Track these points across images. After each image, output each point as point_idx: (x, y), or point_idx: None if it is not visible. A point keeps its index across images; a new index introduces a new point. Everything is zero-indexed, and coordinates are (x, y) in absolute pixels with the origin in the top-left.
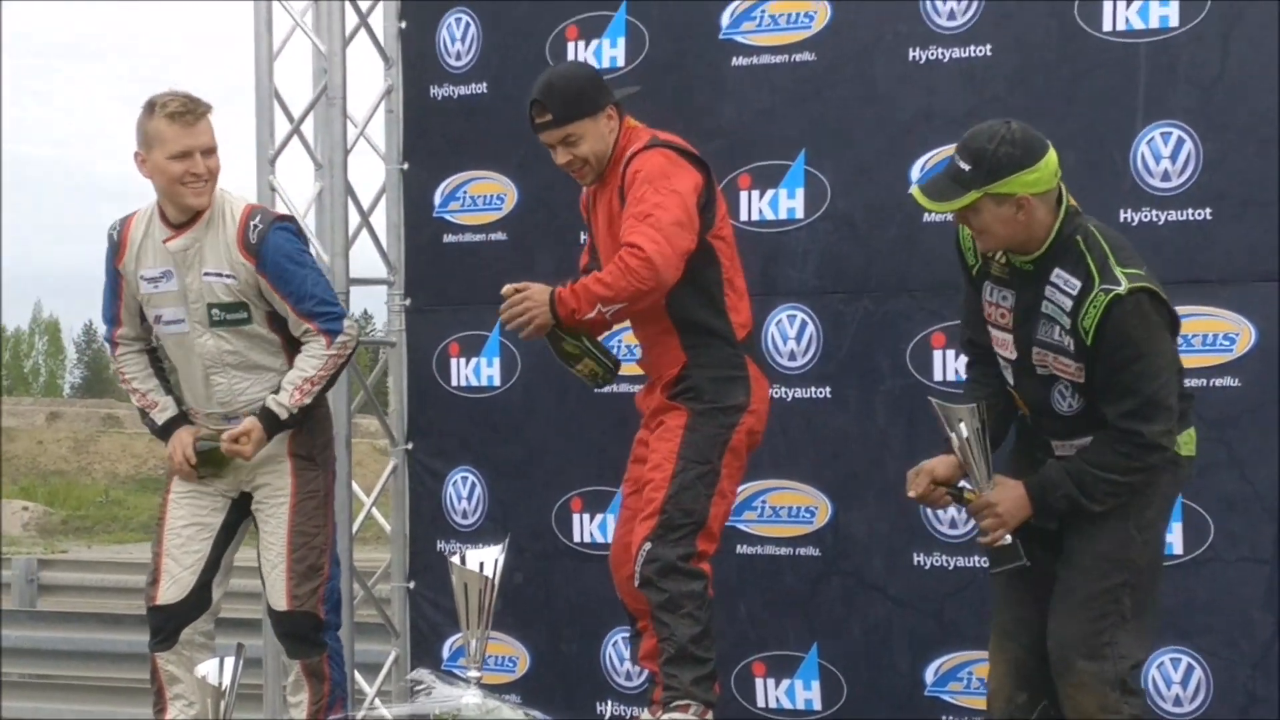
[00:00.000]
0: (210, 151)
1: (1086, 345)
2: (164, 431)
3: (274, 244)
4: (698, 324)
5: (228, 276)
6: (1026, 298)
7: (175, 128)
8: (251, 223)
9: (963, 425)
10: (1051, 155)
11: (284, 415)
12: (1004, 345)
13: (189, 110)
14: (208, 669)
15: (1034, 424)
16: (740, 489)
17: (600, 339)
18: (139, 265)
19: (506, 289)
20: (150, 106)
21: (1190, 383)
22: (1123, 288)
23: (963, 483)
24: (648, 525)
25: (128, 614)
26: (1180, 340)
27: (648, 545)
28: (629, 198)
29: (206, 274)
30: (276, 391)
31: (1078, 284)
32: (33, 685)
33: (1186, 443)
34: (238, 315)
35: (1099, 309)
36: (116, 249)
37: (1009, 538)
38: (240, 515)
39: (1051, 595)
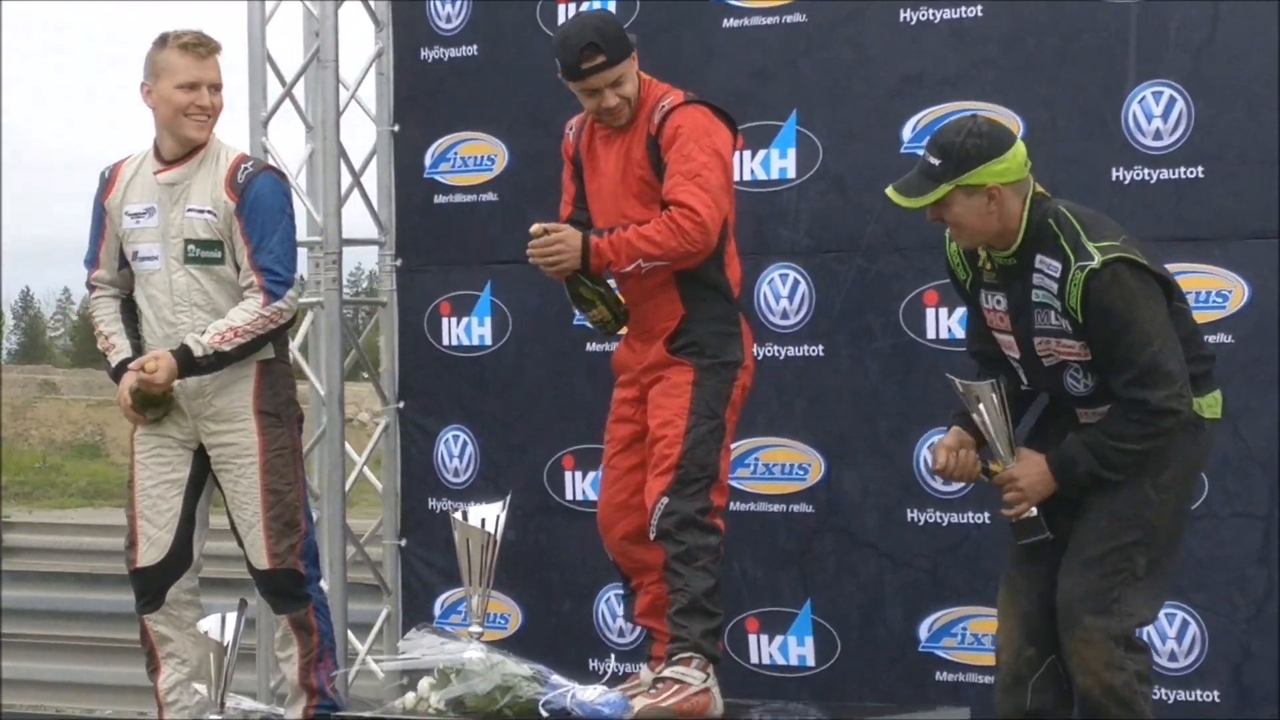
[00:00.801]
0: (217, 88)
1: (1079, 324)
2: (117, 373)
3: (259, 186)
4: (701, 278)
5: (209, 213)
6: (1016, 293)
7: (187, 59)
8: (244, 165)
9: (982, 402)
10: (1020, 146)
11: (198, 352)
12: (1010, 347)
13: (201, 44)
14: (210, 625)
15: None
16: (734, 446)
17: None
18: (125, 201)
19: (536, 228)
20: (163, 39)
21: None
22: (1096, 261)
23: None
24: (664, 480)
25: (105, 573)
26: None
27: (665, 499)
28: (672, 154)
29: (190, 209)
30: (202, 333)
31: (1058, 265)
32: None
33: (1210, 405)
34: (212, 254)
35: (1079, 287)
36: (106, 185)
37: (1033, 510)
38: (204, 466)
39: (1063, 551)
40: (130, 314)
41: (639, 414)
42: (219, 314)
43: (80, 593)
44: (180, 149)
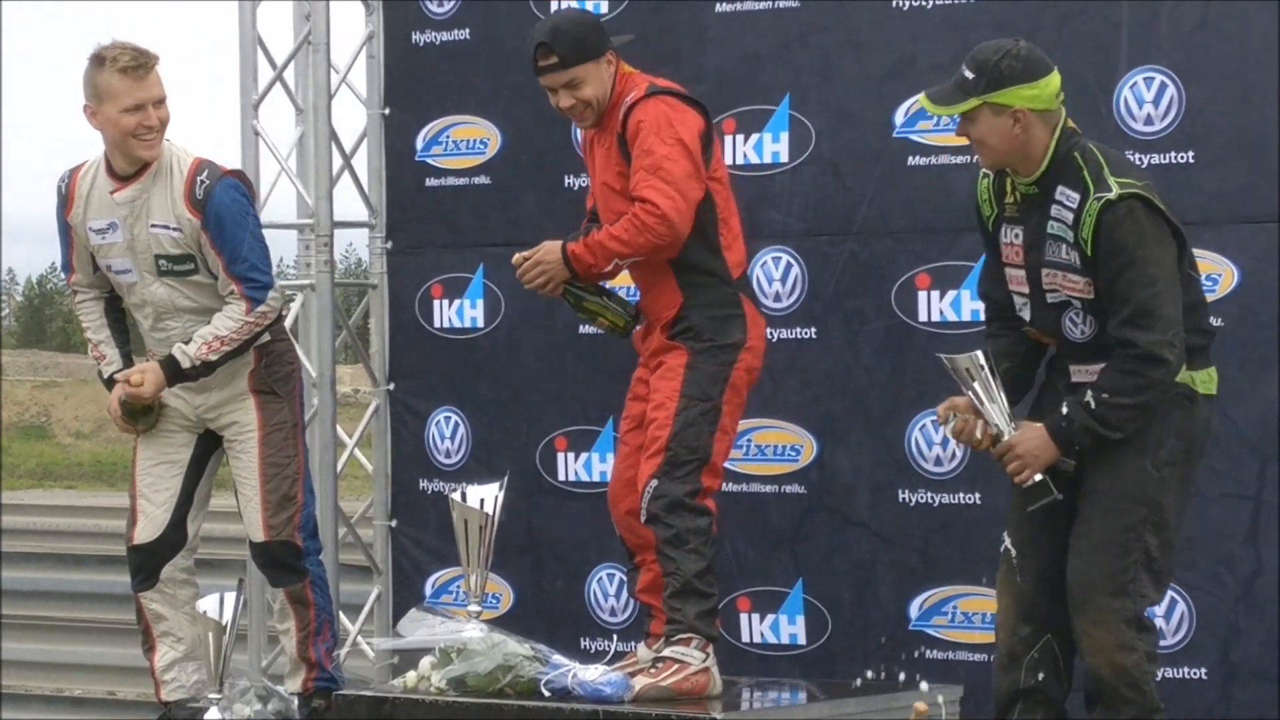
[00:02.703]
0: (161, 102)
1: (1088, 257)
2: (109, 384)
3: (219, 198)
4: (694, 264)
5: (174, 229)
6: (1033, 224)
7: (128, 81)
8: (199, 177)
9: (972, 375)
10: (1055, 78)
11: (185, 364)
12: (1018, 282)
13: (140, 64)
14: (208, 604)
15: (1054, 356)
16: None
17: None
18: (86, 217)
19: (516, 258)
20: (99, 60)
21: None
22: (1113, 193)
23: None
24: (654, 463)
25: (56, 553)
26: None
27: (654, 482)
28: (635, 149)
29: (154, 225)
30: (188, 342)
31: (1077, 196)
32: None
33: (1205, 381)
34: (184, 267)
35: (1093, 217)
36: (65, 201)
37: (1039, 475)
38: (208, 449)
39: (1066, 532)
40: (115, 314)
41: (649, 393)
42: (207, 313)
43: (34, 572)
44: (131, 166)
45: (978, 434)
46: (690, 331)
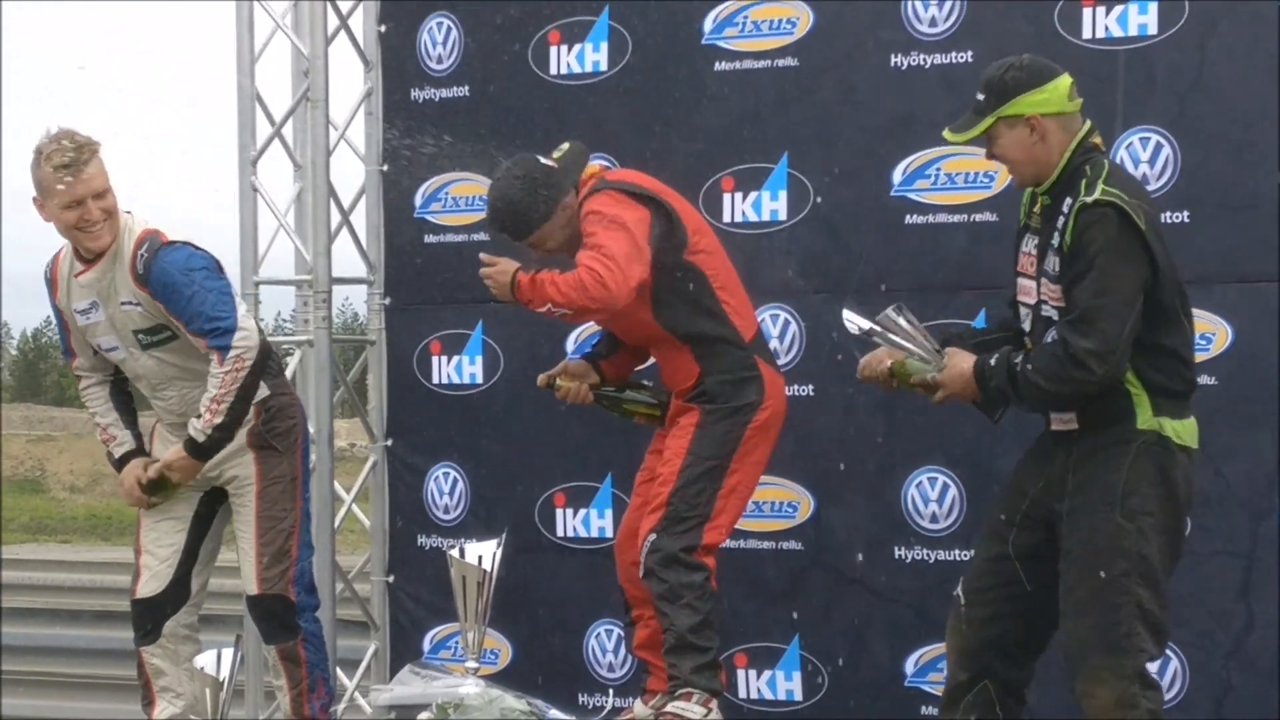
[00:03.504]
0: (101, 194)
1: (1066, 262)
2: (119, 464)
3: (158, 270)
4: (705, 335)
5: (135, 304)
6: (1046, 234)
7: (64, 179)
8: (140, 253)
9: (889, 330)
10: (1064, 80)
11: (201, 439)
12: (1027, 292)
13: (74, 161)
14: (205, 661)
15: None
16: None
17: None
18: (70, 300)
19: (483, 256)
20: (38, 155)
21: None
22: (1093, 197)
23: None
24: (654, 518)
25: (83, 609)
26: None
27: (652, 537)
28: (582, 235)
29: (123, 303)
30: (198, 417)
31: (1071, 202)
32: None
33: (1182, 432)
34: (161, 336)
35: (1073, 218)
36: (51, 285)
37: None
38: (213, 505)
39: (1018, 585)
40: (120, 396)
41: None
42: (200, 377)
43: (29, 628)
44: (89, 253)
45: (888, 363)
46: (705, 395)
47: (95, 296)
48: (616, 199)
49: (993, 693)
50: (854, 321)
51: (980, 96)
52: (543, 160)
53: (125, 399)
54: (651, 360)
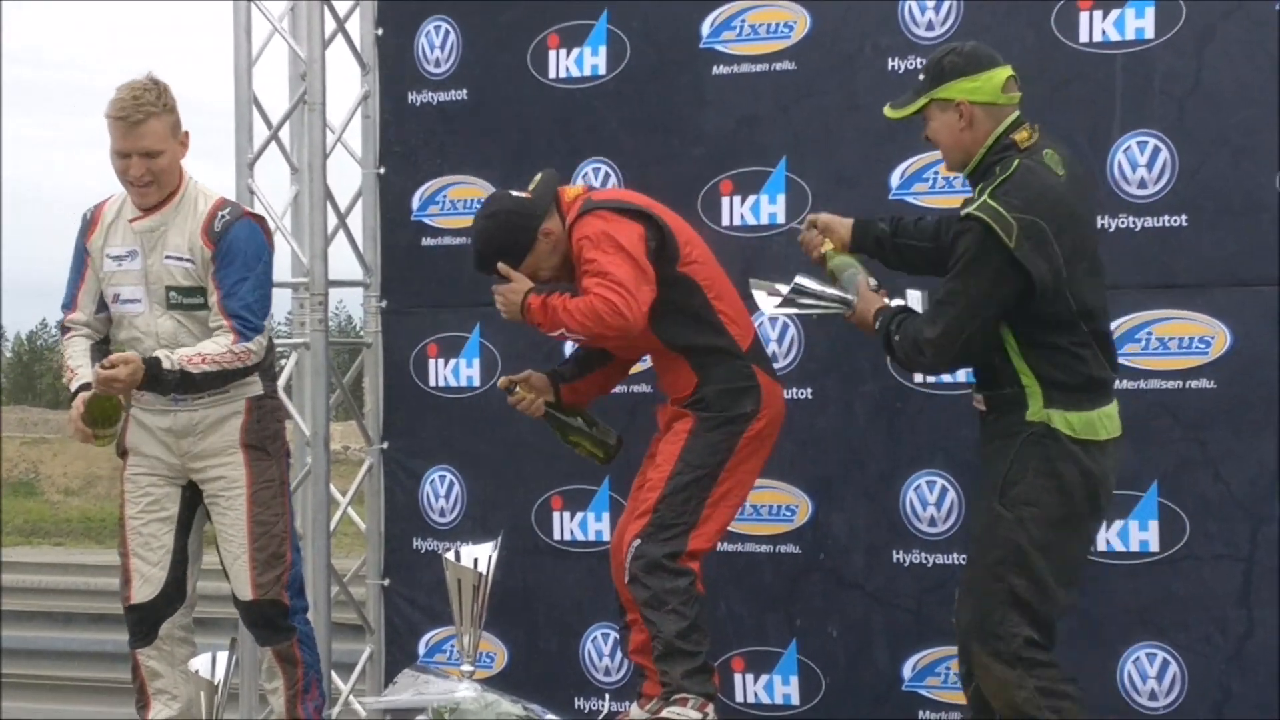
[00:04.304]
0: (151, 154)
1: None
2: (74, 396)
3: (235, 233)
4: (701, 346)
5: (187, 260)
6: None
7: (117, 128)
8: (221, 212)
9: (801, 295)
10: (1001, 71)
11: (166, 364)
12: None
13: (126, 115)
14: (200, 664)
15: None
16: None
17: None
18: (107, 244)
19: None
20: (110, 101)
21: (1167, 385)
22: (969, 209)
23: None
24: (639, 524)
25: (77, 612)
26: (1157, 343)
27: (637, 542)
28: (579, 264)
29: (168, 257)
30: (172, 351)
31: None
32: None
33: (1077, 423)
34: (194, 300)
35: (954, 225)
36: (88, 226)
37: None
38: (191, 504)
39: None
40: (99, 355)
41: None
42: None
43: (24, 630)
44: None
45: (821, 250)
46: (701, 403)
47: (138, 245)
48: (607, 218)
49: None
50: (763, 296)
51: (921, 77)
52: (515, 193)
53: (102, 355)
54: (616, 389)
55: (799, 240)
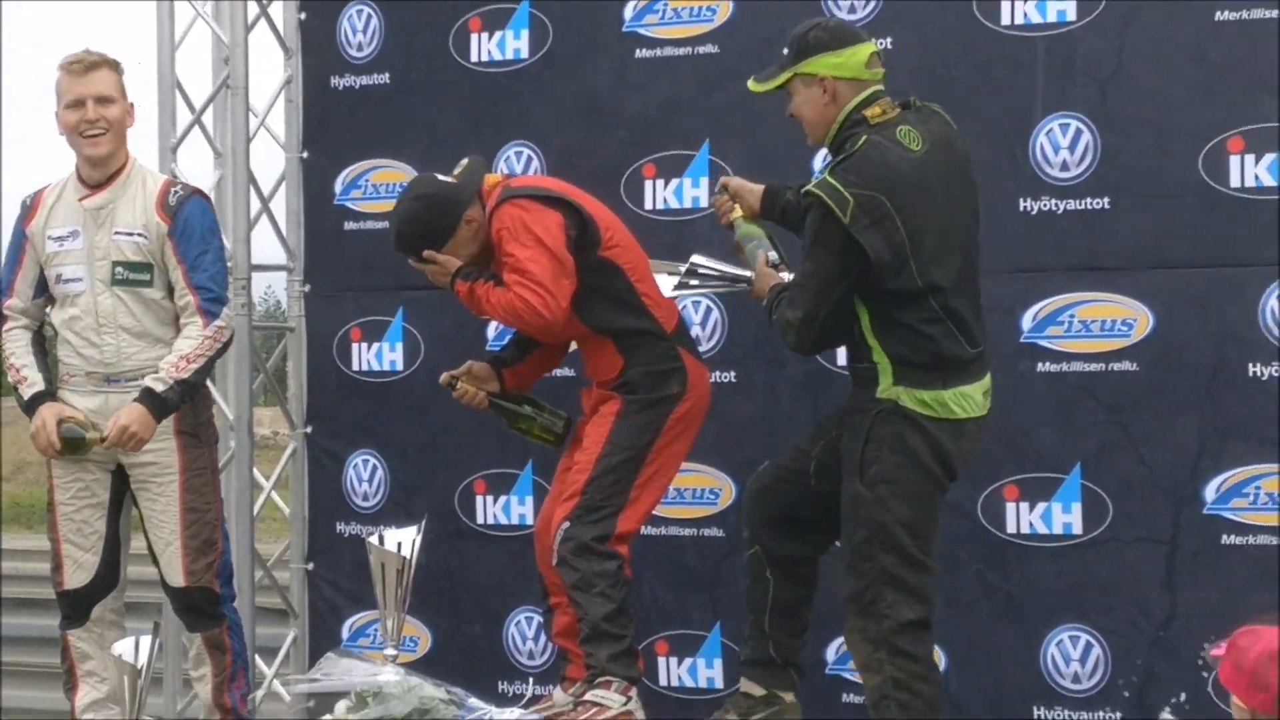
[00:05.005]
0: (106, 100)
1: None
2: (29, 406)
3: (191, 209)
4: (626, 329)
5: (139, 236)
6: None
7: (68, 78)
8: (174, 189)
9: (698, 272)
10: (864, 48)
11: (160, 389)
12: None
13: (79, 60)
14: (124, 648)
15: None
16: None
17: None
18: (48, 225)
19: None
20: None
21: (1089, 367)
22: (809, 185)
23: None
24: (568, 506)
25: (8, 597)
26: (1080, 326)
27: (566, 525)
28: (499, 255)
29: (117, 233)
30: (156, 373)
31: None
32: None
33: (930, 400)
34: (141, 276)
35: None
36: (28, 212)
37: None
38: (122, 487)
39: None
40: (39, 345)
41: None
42: (146, 335)
43: None
44: (100, 174)
45: (731, 217)
46: (627, 386)
47: (80, 225)
48: (525, 207)
49: (762, 559)
50: (662, 277)
51: (785, 52)
52: (441, 177)
53: (42, 349)
54: (558, 371)
55: (711, 203)
